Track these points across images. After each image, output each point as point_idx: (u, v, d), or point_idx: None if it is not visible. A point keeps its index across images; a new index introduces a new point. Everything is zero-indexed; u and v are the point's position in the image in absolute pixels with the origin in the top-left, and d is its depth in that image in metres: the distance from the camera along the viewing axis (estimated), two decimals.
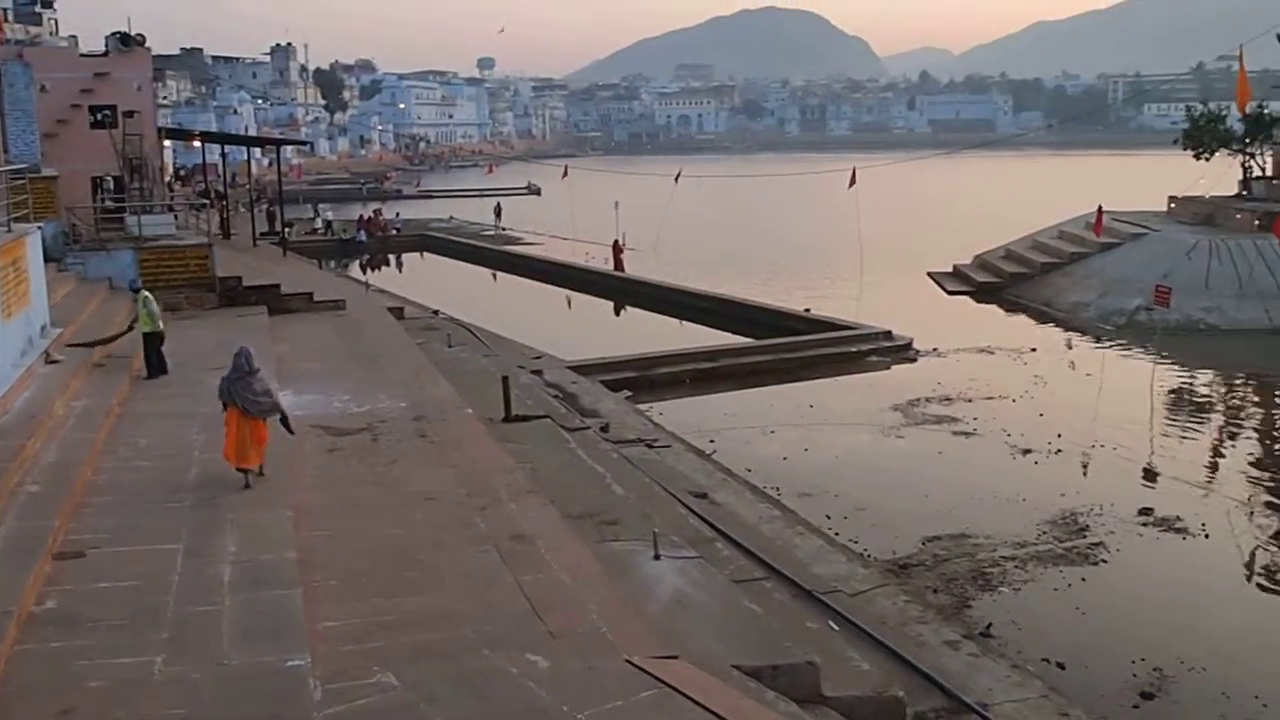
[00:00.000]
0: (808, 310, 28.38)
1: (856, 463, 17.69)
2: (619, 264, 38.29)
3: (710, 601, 9.54)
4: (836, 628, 10.17)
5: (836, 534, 13.89)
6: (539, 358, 22.46)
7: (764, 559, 11.70)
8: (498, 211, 55.20)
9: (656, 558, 10.30)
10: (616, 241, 38.98)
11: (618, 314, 33.58)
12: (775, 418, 20.02)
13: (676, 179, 48.94)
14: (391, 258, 47.86)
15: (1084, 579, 12.99)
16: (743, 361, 23.78)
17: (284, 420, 11.49)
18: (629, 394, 20.83)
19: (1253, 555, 14.23)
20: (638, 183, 64.13)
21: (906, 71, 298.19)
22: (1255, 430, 21.10)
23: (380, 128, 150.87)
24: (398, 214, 55.96)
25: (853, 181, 40.62)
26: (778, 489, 15.58)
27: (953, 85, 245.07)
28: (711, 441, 18.05)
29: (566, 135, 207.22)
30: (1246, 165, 38.14)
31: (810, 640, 9.39)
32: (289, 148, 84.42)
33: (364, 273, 40.77)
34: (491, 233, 52.70)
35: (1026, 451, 17.88)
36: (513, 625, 8.22)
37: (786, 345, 24.54)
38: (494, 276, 42.18)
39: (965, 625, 11.36)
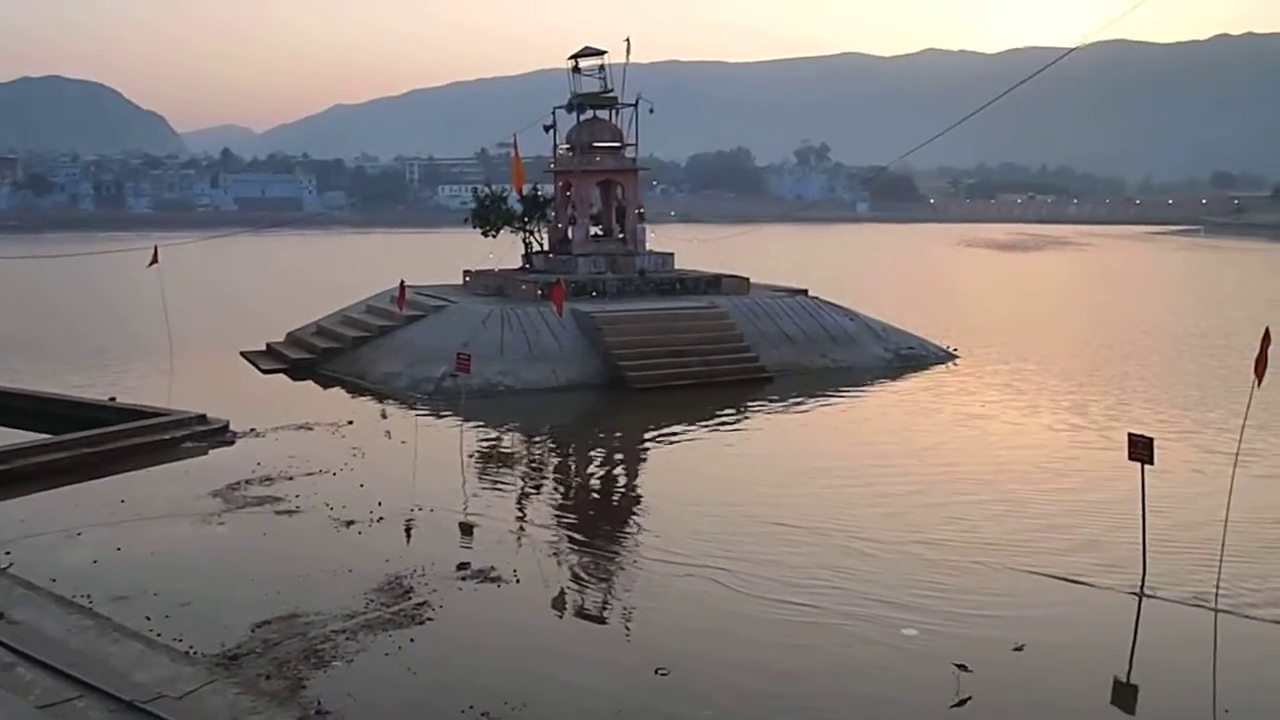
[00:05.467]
0: (113, 399, 26.53)
1: (177, 556, 16.78)
2: None
3: None
4: None
5: (158, 635, 13.06)
6: None
7: (75, 676, 10.70)
8: None
9: None
10: None
11: None
12: (82, 518, 18.39)
13: None
14: None
15: (413, 639, 13.44)
16: (39, 460, 21.53)
17: None
18: None
19: (561, 593, 15.65)
20: None
21: (208, 149, 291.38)
22: (555, 478, 23.30)
23: None
24: None
25: (154, 260, 38.87)
26: (89, 596, 14.31)
27: (256, 164, 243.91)
28: (7, 554, 16.14)
29: None
30: (527, 241, 42.34)
31: None
32: None
33: None
34: None
35: (350, 523, 18.15)
36: None
37: (90, 439, 22.66)
38: None
39: (301, 707, 11.24)
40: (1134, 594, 15.17)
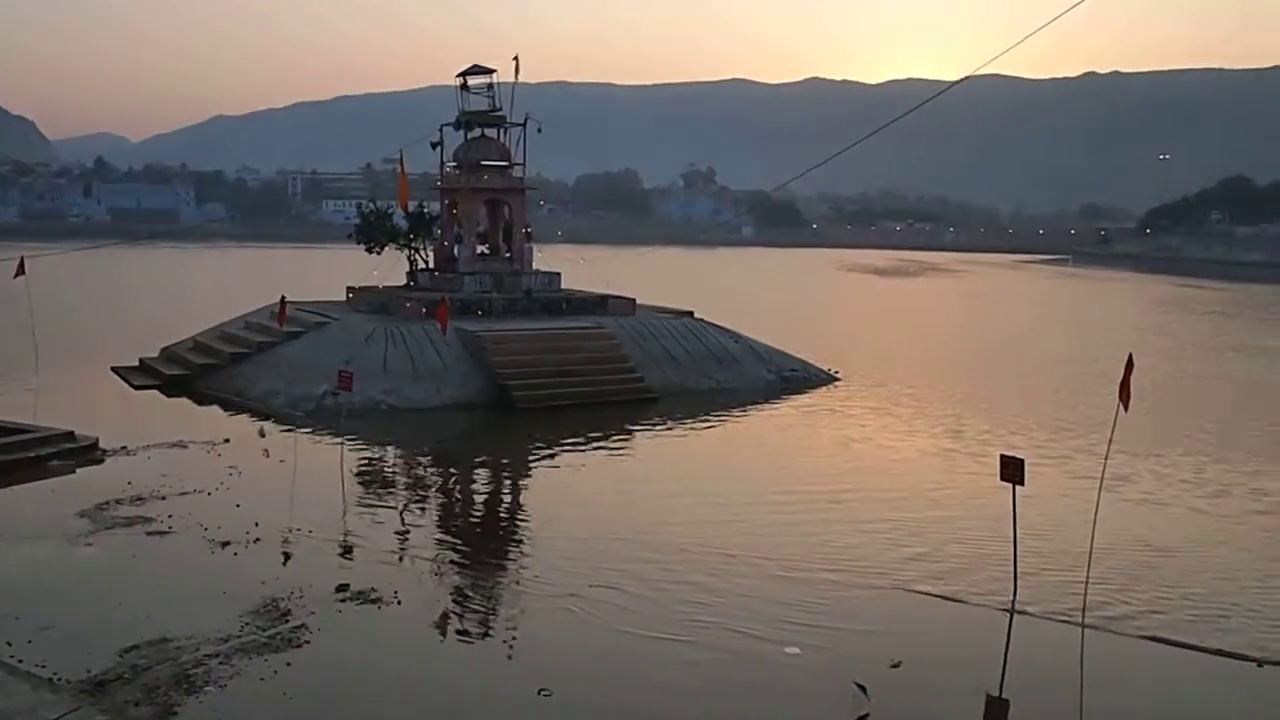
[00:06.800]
0: None
1: (41, 578, 16.17)
2: None
3: None
4: None
5: (20, 661, 12.57)
6: None
7: None
8: None
9: None
10: None
11: None
12: None
13: None
14: None
15: (290, 663, 13.15)
16: None
17: None
18: None
19: (443, 614, 15.49)
20: None
21: (81, 157, 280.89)
22: (438, 498, 23.04)
23: None
24: None
25: (20, 271, 37.49)
26: None
27: (132, 174, 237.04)
28: None
29: None
30: (412, 258, 41.99)
31: None
32: None
33: None
34: None
35: (225, 544, 17.70)
36: None
37: None
38: None
39: None
40: (1005, 610, 15.61)
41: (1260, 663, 13.89)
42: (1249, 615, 15.53)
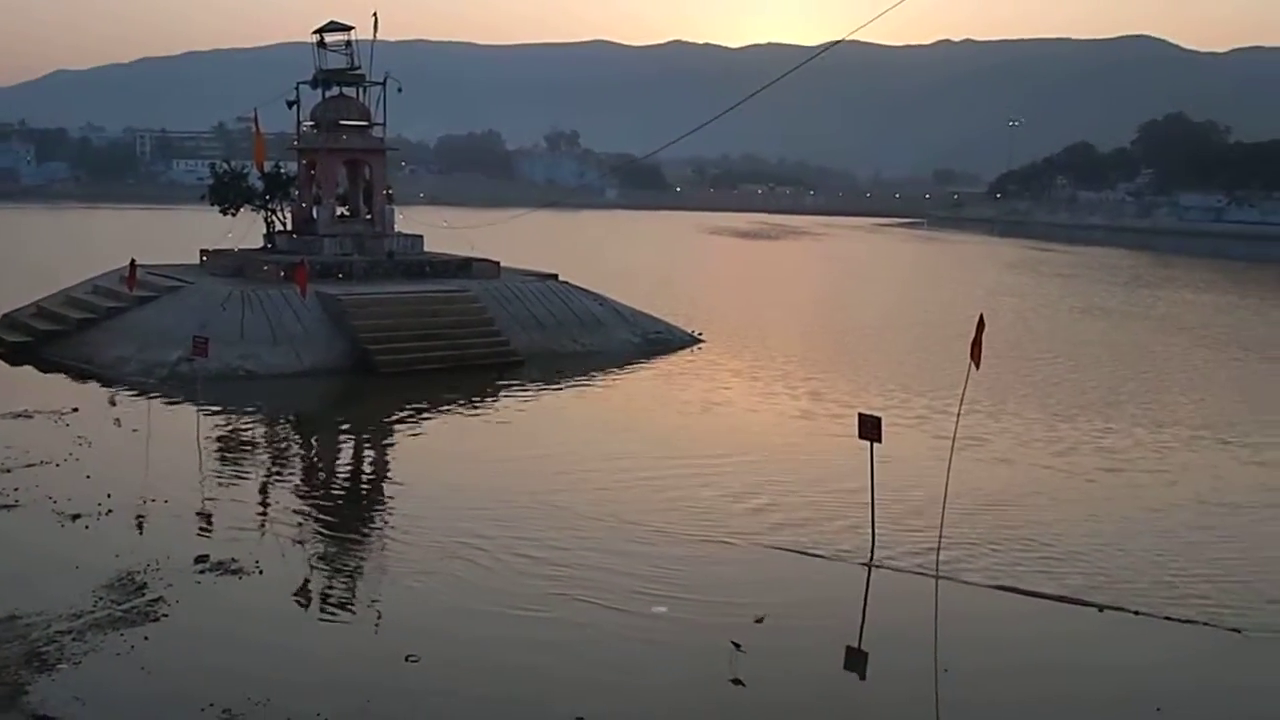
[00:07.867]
0: None
1: None
2: None
3: None
4: None
5: None
6: None
7: None
8: None
9: None
10: None
11: None
12: None
13: None
14: None
15: (147, 637, 12.82)
16: None
17: None
18: None
19: (306, 583, 15.25)
20: None
21: None
22: (300, 465, 22.63)
23: None
24: None
25: None
26: None
27: None
28: None
29: None
30: (269, 220, 40.85)
31: None
32: None
33: None
34: None
35: (76, 517, 17.10)
36: None
37: None
38: None
39: (23, 713, 10.59)
40: (864, 565, 16.09)
41: (1101, 608, 14.62)
42: (1092, 565, 16.30)
